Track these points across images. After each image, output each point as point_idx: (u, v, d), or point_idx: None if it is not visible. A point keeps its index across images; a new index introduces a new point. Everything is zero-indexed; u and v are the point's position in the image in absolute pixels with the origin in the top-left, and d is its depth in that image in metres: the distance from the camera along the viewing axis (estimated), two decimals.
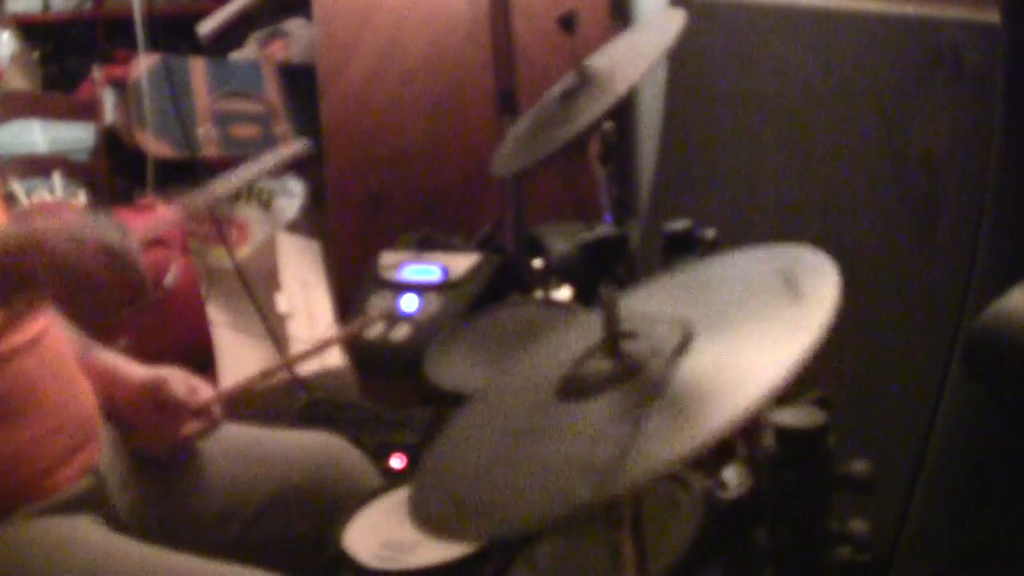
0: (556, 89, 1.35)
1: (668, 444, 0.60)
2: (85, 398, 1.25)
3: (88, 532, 1.17)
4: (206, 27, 2.82)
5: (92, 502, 1.21)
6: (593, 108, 1.22)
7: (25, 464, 1.15)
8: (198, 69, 2.58)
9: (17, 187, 2.41)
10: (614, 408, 0.66)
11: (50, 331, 1.22)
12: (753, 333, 0.68)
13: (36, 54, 3.15)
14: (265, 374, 1.33)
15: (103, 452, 1.25)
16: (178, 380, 1.32)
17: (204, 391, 1.33)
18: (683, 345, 0.68)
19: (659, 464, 0.59)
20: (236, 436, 1.39)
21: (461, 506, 0.68)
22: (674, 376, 0.66)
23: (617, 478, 0.59)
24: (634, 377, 0.67)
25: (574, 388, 0.70)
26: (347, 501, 1.26)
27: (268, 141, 2.56)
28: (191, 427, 1.32)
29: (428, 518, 0.68)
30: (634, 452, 0.60)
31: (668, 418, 0.63)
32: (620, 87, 1.19)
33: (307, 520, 1.34)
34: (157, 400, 1.30)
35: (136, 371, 1.33)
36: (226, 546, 1.27)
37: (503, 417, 0.76)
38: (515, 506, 0.64)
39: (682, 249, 1.10)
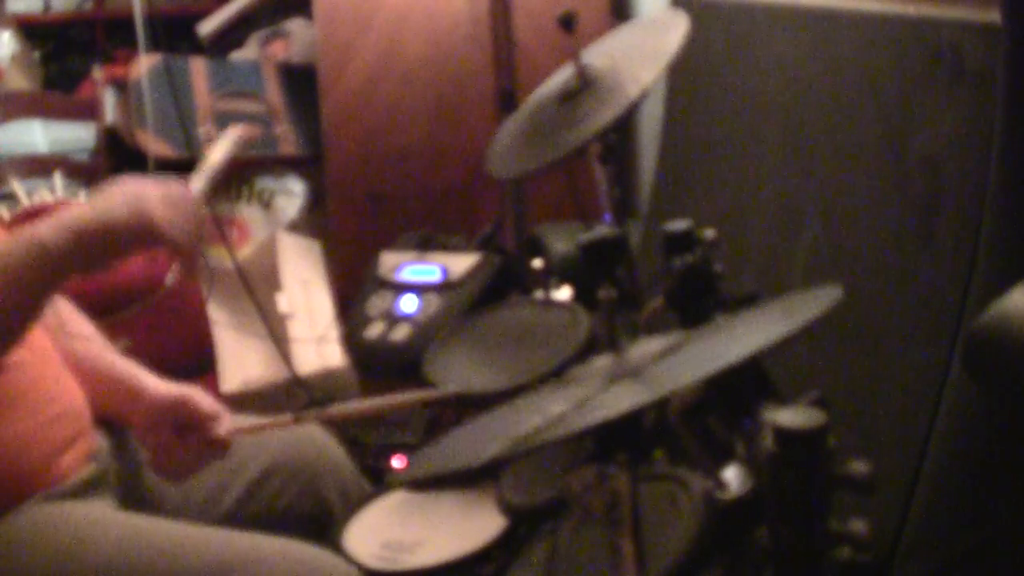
0: (552, 87, 1.34)
1: None
2: (75, 391, 1.28)
3: (106, 513, 1.21)
4: (206, 27, 2.81)
5: (99, 487, 1.24)
6: (598, 115, 1.21)
7: (33, 450, 1.18)
8: (198, 69, 2.58)
9: (17, 187, 2.41)
10: None
11: (36, 329, 1.23)
12: None
13: (37, 54, 3.15)
14: (279, 422, 1.32)
15: (101, 439, 1.29)
16: (203, 401, 1.30)
17: (226, 421, 1.31)
18: None
19: None
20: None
21: None
22: None
23: None
24: None
25: None
26: (327, 477, 1.35)
27: (269, 141, 2.56)
28: (203, 454, 1.30)
29: None
30: None
31: None
32: (631, 91, 1.18)
33: (294, 492, 1.38)
34: (179, 419, 1.28)
35: (160, 386, 1.31)
36: (220, 520, 1.30)
37: None
38: None
39: (682, 249, 1.10)
